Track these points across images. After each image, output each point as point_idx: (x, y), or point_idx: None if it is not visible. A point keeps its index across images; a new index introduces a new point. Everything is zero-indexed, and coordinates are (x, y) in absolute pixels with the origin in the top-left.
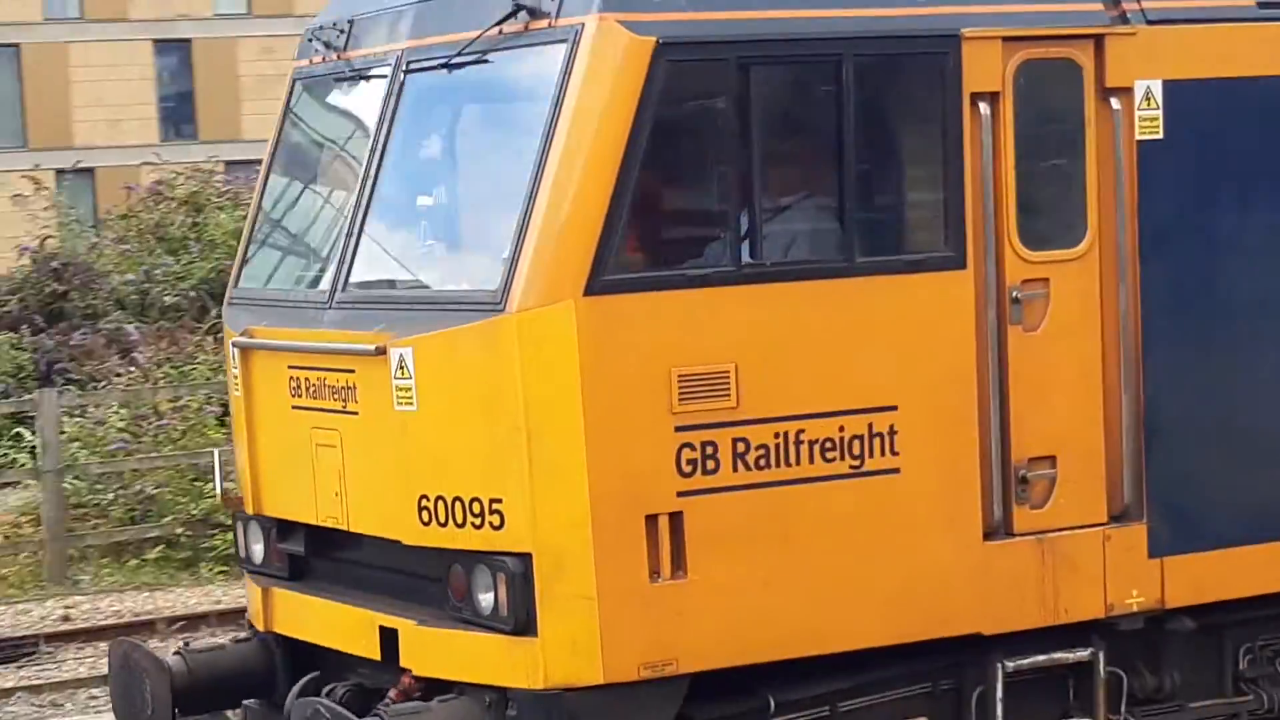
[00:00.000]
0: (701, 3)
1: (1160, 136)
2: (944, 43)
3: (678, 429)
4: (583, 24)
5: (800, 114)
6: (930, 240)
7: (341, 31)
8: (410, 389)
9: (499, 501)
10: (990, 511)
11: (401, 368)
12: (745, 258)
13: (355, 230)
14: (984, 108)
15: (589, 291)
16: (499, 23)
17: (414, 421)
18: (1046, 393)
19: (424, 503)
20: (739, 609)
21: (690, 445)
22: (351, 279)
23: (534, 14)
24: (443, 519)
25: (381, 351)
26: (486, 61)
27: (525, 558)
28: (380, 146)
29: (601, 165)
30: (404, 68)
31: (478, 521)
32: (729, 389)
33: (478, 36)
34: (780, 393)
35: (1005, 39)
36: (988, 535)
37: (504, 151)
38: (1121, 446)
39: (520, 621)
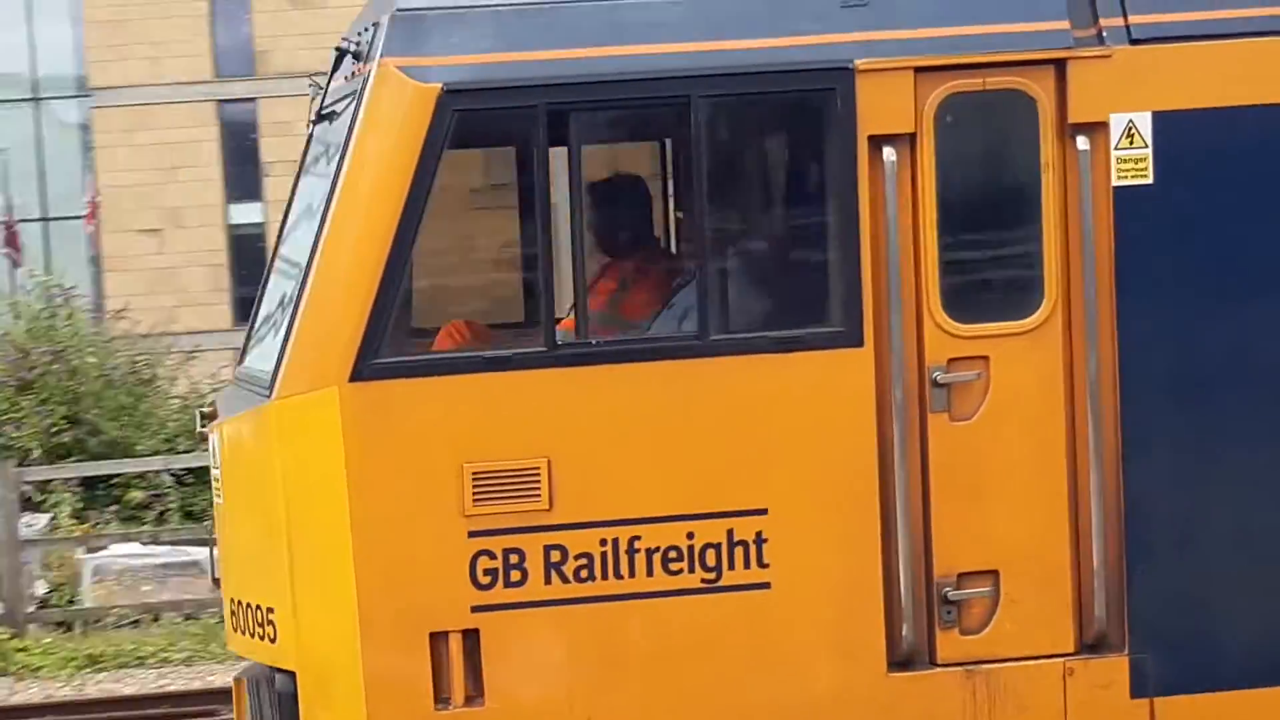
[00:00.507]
0: (507, 42)
1: (1148, 181)
2: (828, 77)
3: (472, 534)
4: (370, 71)
5: (635, 167)
6: (814, 314)
7: (328, 71)
8: (219, 479)
9: (271, 611)
10: (898, 636)
11: (214, 454)
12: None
13: (259, 298)
14: (889, 153)
15: (356, 376)
16: (334, 68)
17: (223, 515)
18: (983, 495)
19: (232, 605)
20: None
21: (489, 553)
22: (248, 352)
23: (357, 58)
24: (241, 625)
25: (204, 437)
26: (336, 112)
27: (293, 676)
28: (289, 203)
29: (373, 233)
30: (313, 116)
31: (260, 631)
32: (539, 489)
33: (327, 84)
34: (607, 493)
35: (920, 69)
36: (899, 664)
37: (309, 215)
38: (1094, 560)
39: None
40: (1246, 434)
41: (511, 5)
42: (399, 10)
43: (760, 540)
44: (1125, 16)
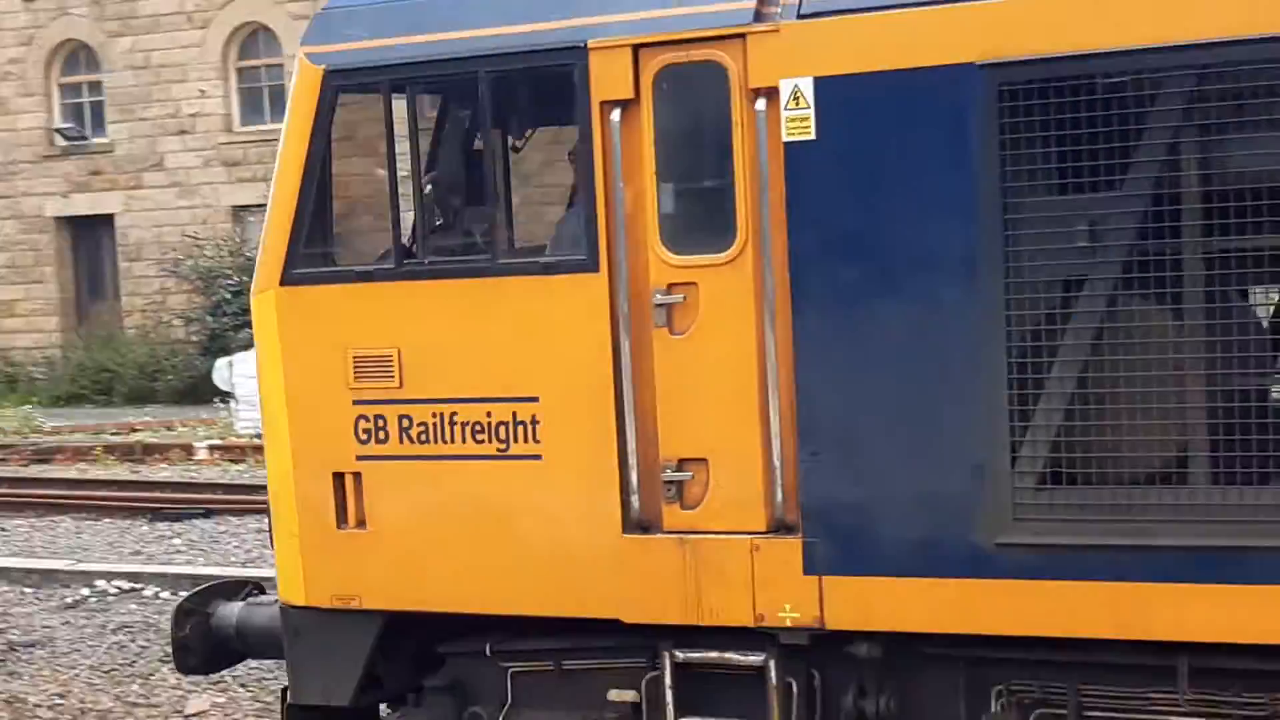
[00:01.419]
0: (373, 31)
1: (812, 137)
2: (570, 54)
3: (355, 402)
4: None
5: (450, 129)
6: (567, 244)
7: None
8: None
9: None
10: (629, 506)
11: None
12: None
13: None
14: (615, 115)
15: (284, 282)
16: None
17: None
18: (697, 394)
19: None
20: (410, 563)
21: (365, 417)
22: None
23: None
24: None
25: None
26: None
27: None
28: None
29: (289, 179)
30: None
31: None
32: (393, 371)
33: None
34: (436, 378)
35: (639, 46)
36: (638, 528)
37: None
38: (773, 454)
39: (274, 545)
40: (892, 347)
41: (387, 2)
42: (323, 9)
43: (535, 421)
44: None
